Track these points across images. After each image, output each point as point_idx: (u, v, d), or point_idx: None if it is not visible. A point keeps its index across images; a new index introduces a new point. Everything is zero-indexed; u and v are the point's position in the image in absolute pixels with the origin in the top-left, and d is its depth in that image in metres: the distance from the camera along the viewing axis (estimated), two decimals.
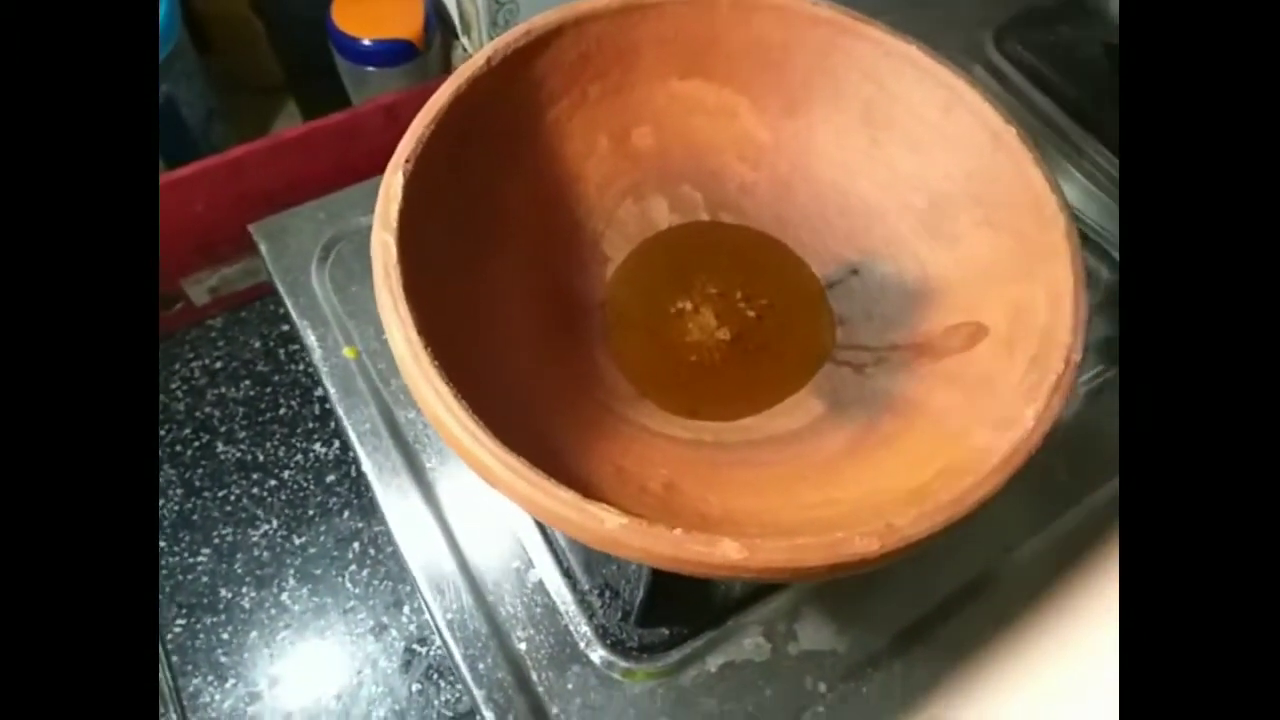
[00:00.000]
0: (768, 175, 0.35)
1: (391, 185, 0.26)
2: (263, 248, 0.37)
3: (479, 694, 0.29)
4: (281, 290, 0.36)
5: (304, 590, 0.46)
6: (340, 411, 0.34)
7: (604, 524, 0.22)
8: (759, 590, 0.32)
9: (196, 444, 0.50)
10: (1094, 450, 0.37)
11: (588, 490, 0.23)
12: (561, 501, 0.23)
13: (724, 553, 0.22)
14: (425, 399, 0.24)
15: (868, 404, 0.30)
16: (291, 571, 0.46)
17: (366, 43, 0.44)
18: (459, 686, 0.43)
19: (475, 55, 0.30)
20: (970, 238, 0.32)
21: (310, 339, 0.35)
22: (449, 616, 0.30)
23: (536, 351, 0.30)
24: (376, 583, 0.46)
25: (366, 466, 0.33)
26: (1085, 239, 0.45)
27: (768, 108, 0.35)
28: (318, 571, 0.46)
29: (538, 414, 0.27)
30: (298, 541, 0.47)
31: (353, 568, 0.47)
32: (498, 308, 0.30)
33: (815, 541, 0.22)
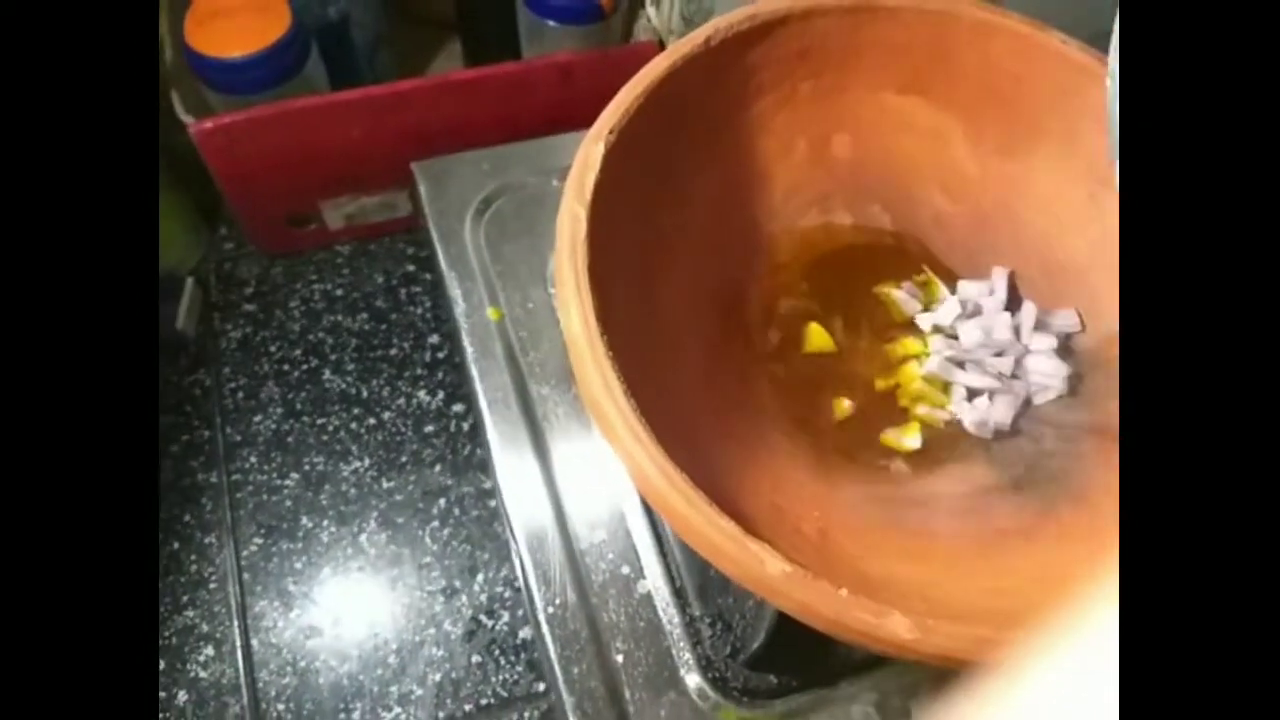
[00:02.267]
0: (968, 212, 0.32)
1: (590, 155, 0.25)
2: (422, 188, 0.36)
3: (568, 700, 0.27)
4: (434, 235, 0.35)
5: (383, 535, 0.45)
6: (474, 373, 0.32)
7: (764, 566, 0.20)
8: (882, 657, 0.30)
9: (305, 366, 0.49)
10: None
11: (744, 523, 0.21)
12: (722, 532, 0.21)
13: (893, 628, 0.20)
14: (592, 387, 0.22)
15: (1045, 485, 0.27)
16: (374, 514, 0.46)
17: None
18: (519, 669, 0.42)
19: (694, 32, 0.28)
20: None
21: (455, 292, 0.34)
22: (550, 610, 0.29)
23: (699, 355, 0.28)
24: (455, 544, 0.45)
25: (491, 434, 0.31)
26: None
27: (983, 140, 0.32)
28: (400, 520, 0.46)
29: (695, 423, 0.25)
30: (386, 485, 0.47)
31: (434, 524, 0.46)
32: (666, 301, 0.28)
33: (998, 637, 0.20)
